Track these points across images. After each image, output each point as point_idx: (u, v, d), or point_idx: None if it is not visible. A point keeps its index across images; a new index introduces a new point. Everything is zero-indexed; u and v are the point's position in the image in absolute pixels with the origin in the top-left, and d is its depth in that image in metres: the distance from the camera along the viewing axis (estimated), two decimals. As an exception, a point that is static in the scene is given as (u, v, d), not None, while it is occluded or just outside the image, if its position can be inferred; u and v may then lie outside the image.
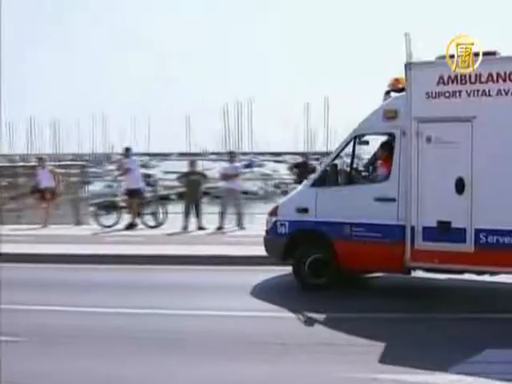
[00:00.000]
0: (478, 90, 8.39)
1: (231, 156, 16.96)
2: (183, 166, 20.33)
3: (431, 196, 8.70)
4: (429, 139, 8.71)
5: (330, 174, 9.54)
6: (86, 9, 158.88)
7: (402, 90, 9.18)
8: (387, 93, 9.48)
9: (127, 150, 17.29)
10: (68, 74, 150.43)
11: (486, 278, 9.01)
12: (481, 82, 8.36)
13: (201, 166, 18.03)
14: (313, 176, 10.17)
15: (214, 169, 26.51)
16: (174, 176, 22.35)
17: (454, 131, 8.58)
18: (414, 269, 9.13)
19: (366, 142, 9.80)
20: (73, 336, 7.51)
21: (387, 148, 9.39)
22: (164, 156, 66.30)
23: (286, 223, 9.83)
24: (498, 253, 8.29)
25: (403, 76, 9.04)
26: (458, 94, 8.50)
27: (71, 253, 12.72)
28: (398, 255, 8.86)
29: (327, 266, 9.53)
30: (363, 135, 9.57)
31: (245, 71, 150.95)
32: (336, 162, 9.67)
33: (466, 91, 8.45)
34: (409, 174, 8.82)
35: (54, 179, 17.51)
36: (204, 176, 17.40)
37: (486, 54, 8.44)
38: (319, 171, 9.99)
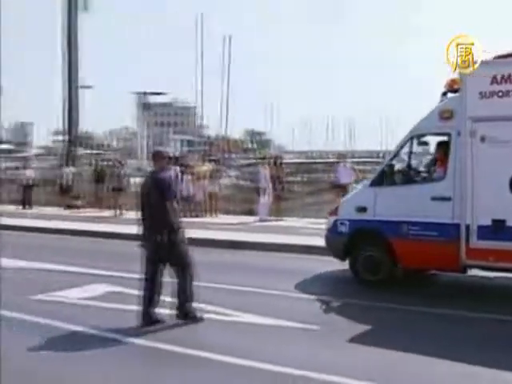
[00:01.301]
0: None
1: None
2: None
3: (486, 195, 8.75)
4: (483, 138, 8.77)
5: (388, 174, 9.78)
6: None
7: (457, 90, 9.28)
8: (444, 94, 9.57)
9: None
10: (360, 77, 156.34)
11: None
12: None
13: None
14: (372, 176, 10.39)
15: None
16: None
17: (508, 130, 8.60)
18: (470, 267, 9.20)
19: (424, 143, 9.96)
20: (360, 328, 7.53)
21: (444, 148, 9.51)
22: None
23: (346, 222, 10.10)
24: (554, 251, 8.25)
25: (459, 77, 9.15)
26: (510, 94, 8.52)
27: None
28: (453, 253, 8.95)
29: (381, 264, 9.74)
30: (420, 135, 9.73)
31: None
32: (394, 161, 9.89)
33: None
34: (463, 173, 8.92)
35: (354, 176, 18.23)
36: None
37: None
38: (378, 171, 10.21)
